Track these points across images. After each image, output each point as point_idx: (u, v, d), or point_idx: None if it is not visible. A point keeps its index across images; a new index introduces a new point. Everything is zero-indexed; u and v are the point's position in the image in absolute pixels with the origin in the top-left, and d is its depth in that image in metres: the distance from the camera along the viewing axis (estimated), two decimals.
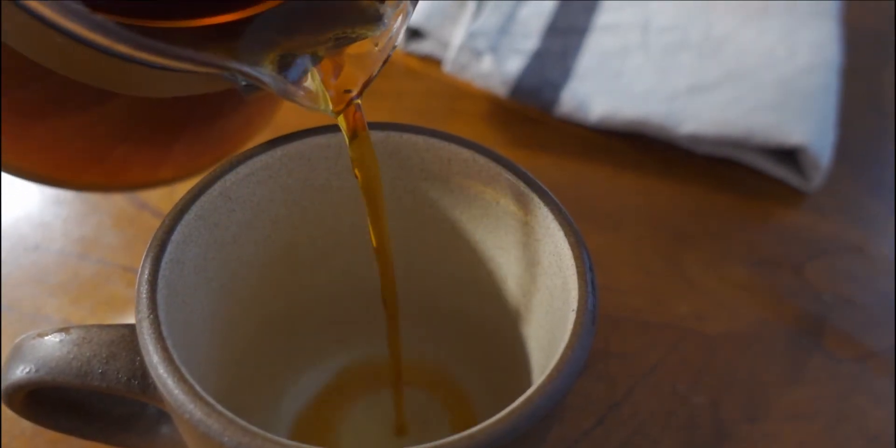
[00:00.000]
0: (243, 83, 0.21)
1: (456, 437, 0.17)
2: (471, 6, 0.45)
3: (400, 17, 0.21)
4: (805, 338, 0.35)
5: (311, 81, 0.20)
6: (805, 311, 0.36)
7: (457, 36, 0.44)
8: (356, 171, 0.22)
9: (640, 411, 0.32)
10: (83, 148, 0.25)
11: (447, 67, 0.43)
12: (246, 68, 0.19)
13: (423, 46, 0.46)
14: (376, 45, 0.21)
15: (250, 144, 0.24)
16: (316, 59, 0.20)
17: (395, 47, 0.21)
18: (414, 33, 0.46)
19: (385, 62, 0.21)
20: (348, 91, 0.21)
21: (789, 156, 0.41)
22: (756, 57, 0.44)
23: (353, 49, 0.21)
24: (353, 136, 0.22)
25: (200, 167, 0.29)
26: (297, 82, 0.20)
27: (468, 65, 0.43)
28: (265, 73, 0.20)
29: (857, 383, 0.34)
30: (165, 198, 0.39)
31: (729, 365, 0.34)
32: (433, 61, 0.46)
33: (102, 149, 0.25)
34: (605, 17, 0.47)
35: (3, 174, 0.26)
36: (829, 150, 0.40)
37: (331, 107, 0.21)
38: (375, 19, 0.21)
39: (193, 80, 0.22)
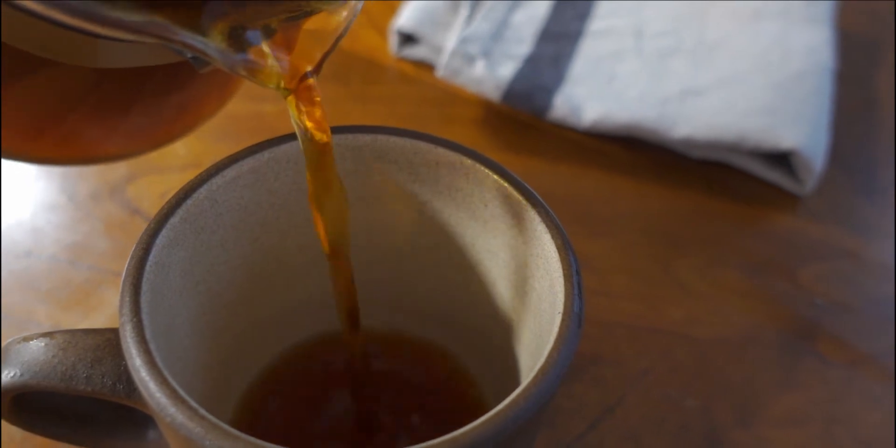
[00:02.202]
0: (189, 55, 0.20)
1: (439, 440, 0.17)
2: (464, 12, 0.45)
3: None
4: (798, 342, 0.35)
5: (263, 56, 0.19)
6: (798, 315, 0.36)
7: (450, 41, 0.44)
8: (308, 171, 0.21)
9: (632, 416, 0.32)
10: (31, 118, 0.24)
11: (440, 72, 0.43)
12: (190, 40, 0.18)
13: (416, 52, 0.46)
14: (333, 19, 0.20)
15: (238, 148, 0.24)
16: (268, 33, 0.19)
17: (352, 21, 0.20)
18: (407, 39, 0.46)
19: (340, 37, 0.20)
20: (302, 68, 0.20)
21: (783, 159, 0.41)
22: (750, 61, 0.44)
23: (308, 23, 0.20)
24: (305, 120, 0.21)
25: (155, 143, 0.28)
26: (247, 57, 0.19)
27: (461, 70, 0.43)
28: (212, 45, 0.18)
29: (851, 388, 0.34)
30: (158, 204, 0.39)
31: (722, 370, 0.34)
32: (426, 67, 0.46)
33: (52, 119, 0.24)
34: (598, 22, 0.47)
35: None
36: (822, 153, 0.40)
37: (282, 84, 0.20)
38: None
39: (139, 51, 0.21)
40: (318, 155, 0.21)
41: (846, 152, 0.44)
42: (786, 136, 0.39)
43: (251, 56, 0.19)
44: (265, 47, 0.19)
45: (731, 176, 0.42)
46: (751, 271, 0.38)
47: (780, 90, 0.42)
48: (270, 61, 0.20)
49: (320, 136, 0.21)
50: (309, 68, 0.20)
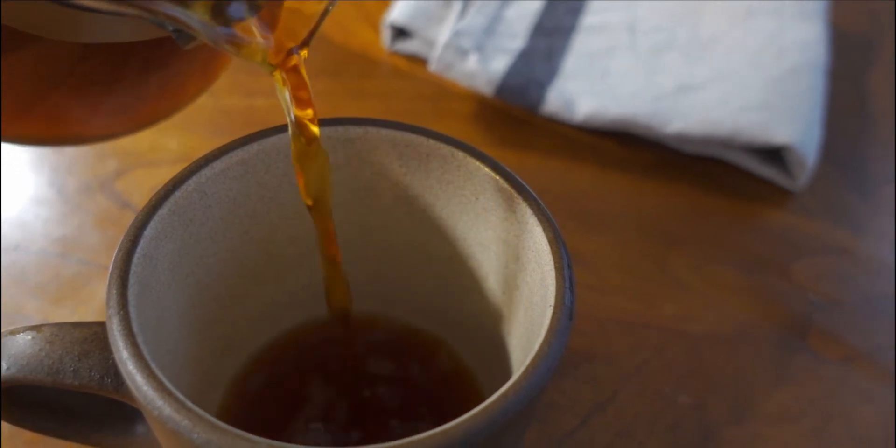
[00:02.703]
0: (171, 29, 0.19)
1: (430, 432, 0.17)
2: (457, 6, 0.45)
3: None
4: (791, 338, 0.35)
5: (247, 30, 0.19)
6: (791, 311, 0.36)
7: (443, 35, 0.44)
8: (295, 162, 0.21)
9: (625, 412, 0.32)
10: (15, 94, 0.24)
11: (432, 66, 0.43)
12: (174, 12, 0.18)
13: (409, 46, 0.46)
14: None
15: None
16: (254, 7, 0.19)
17: None
18: (400, 33, 0.46)
19: (326, 13, 0.20)
20: (287, 42, 0.20)
21: (776, 155, 0.41)
22: (743, 57, 0.44)
23: None
24: (293, 101, 0.20)
25: (141, 121, 0.28)
26: (232, 31, 0.19)
27: (453, 64, 0.43)
28: (196, 18, 0.18)
29: (844, 384, 0.34)
30: (148, 197, 0.38)
31: (715, 366, 0.34)
32: (419, 61, 0.46)
33: (32, 95, 0.24)
34: (591, 17, 0.47)
35: None
36: (815, 149, 0.40)
37: (267, 59, 0.20)
38: None
39: (122, 26, 0.21)
40: (304, 132, 0.21)
41: (840, 149, 0.44)
42: (779, 132, 0.39)
43: (235, 29, 0.19)
44: (250, 21, 0.19)
45: (725, 172, 0.42)
46: (744, 267, 0.38)
47: (774, 86, 0.42)
48: (255, 35, 0.19)
49: (306, 113, 0.21)
50: (294, 44, 0.20)
